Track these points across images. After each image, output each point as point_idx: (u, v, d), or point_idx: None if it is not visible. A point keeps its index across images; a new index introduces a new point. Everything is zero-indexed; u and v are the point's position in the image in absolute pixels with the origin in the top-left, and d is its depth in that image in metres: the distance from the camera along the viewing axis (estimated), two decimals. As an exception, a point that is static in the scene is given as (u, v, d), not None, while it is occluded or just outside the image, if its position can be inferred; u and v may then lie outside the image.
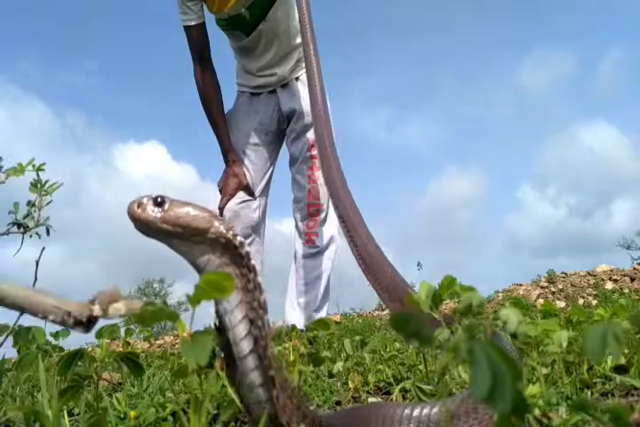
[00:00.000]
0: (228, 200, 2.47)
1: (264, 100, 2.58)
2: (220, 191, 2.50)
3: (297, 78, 2.57)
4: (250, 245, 2.46)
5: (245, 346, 0.58)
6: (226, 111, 2.56)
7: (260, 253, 2.54)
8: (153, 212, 0.57)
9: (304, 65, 2.60)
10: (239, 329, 0.59)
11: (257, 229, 2.52)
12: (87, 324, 0.49)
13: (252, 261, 0.60)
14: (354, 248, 1.39)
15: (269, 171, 2.61)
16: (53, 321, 0.49)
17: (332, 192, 1.60)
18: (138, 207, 0.57)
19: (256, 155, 2.54)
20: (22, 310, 0.49)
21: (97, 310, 0.49)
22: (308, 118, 2.45)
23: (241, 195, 2.49)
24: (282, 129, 2.61)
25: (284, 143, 2.64)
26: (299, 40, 2.49)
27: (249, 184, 2.51)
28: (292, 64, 2.53)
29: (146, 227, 0.58)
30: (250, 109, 2.57)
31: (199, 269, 0.60)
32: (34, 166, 1.28)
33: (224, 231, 0.59)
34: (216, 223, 0.59)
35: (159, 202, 0.57)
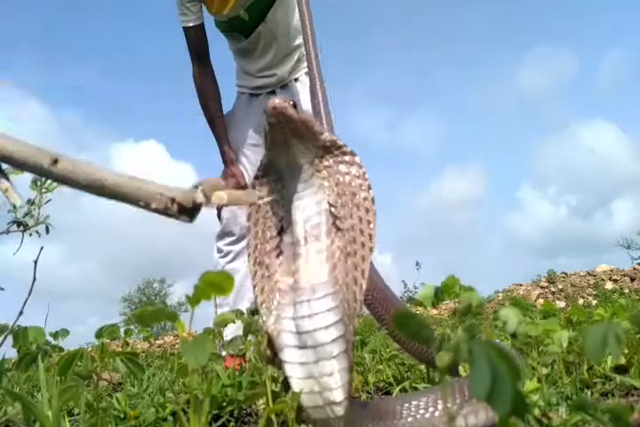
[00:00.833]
0: None
1: (264, 100, 2.56)
2: None
3: (296, 79, 2.56)
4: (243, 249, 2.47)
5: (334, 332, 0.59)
6: (225, 112, 2.58)
7: None
8: (294, 111, 0.64)
9: (303, 66, 2.60)
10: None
11: None
12: (192, 211, 0.46)
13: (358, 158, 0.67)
14: None
15: None
16: (156, 210, 0.46)
17: None
18: (285, 104, 0.63)
19: (255, 155, 2.52)
20: (123, 198, 0.45)
21: (201, 196, 0.47)
22: None
23: None
24: None
25: None
26: (298, 41, 2.51)
27: (247, 185, 2.49)
28: (291, 65, 2.52)
29: (286, 122, 0.63)
30: (249, 111, 2.58)
31: (297, 171, 0.66)
32: (34, 165, 1.28)
33: (329, 135, 0.67)
34: (325, 132, 0.67)
35: (294, 105, 0.65)
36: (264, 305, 0.64)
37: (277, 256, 0.67)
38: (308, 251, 0.64)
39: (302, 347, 0.59)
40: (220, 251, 2.49)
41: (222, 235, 2.50)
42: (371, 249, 0.63)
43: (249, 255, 0.68)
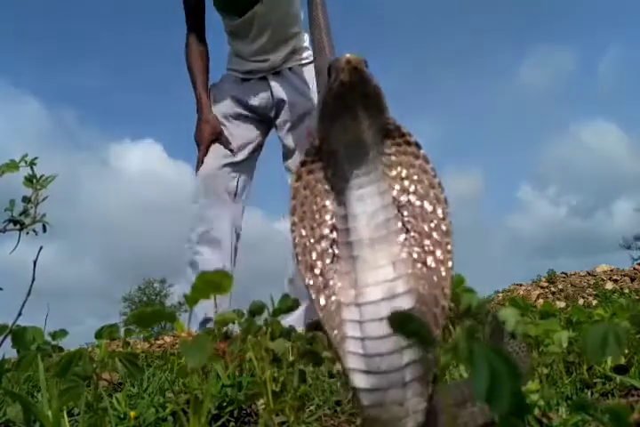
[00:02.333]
0: (207, 148, 2.39)
1: (255, 85, 2.54)
2: (197, 143, 2.42)
3: (290, 68, 2.53)
4: (222, 215, 2.36)
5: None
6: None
7: (235, 224, 2.45)
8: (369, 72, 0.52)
9: (298, 57, 2.53)
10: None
11: (234, 196, 2.43)
12: None
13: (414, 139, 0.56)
14: None
15: (252, 146, 2.52)
16: None
17: None
18: (359, 59, 0.51)
19: (236, 126, 2.48)
20: None
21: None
22: (302, 108, 2.42)
23: (218, 154, 2.41)
24: (270, 117, 2.54)
25: (277, 135, 2.56)
26: (294, 30, 2.50)
27: (222, 131, 2.43)
28: (285, 53, 2.50)
29: (360, 82, 0.51)
30: (236, 90, 2.52)
31: (356, 153, 0.55)
32: (26, 162, 1.27)
33: (393, 118, 0.56)
34: (389, 109, 0.56)
35: (367, 66, 0.53)
36: (324, 320, 0.54)
37: (332, 261, 0.55)
38: (375, 256, 0.53)
39: (372, 372, 0.50)
40: (194, 216, 2.38)
41: (195, 196, 2.40)
42: (450, 261, 0.52)
43: (297, 256, 0.56)
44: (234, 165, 2.44)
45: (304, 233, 0.56)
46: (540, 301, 7.12)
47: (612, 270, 8.19)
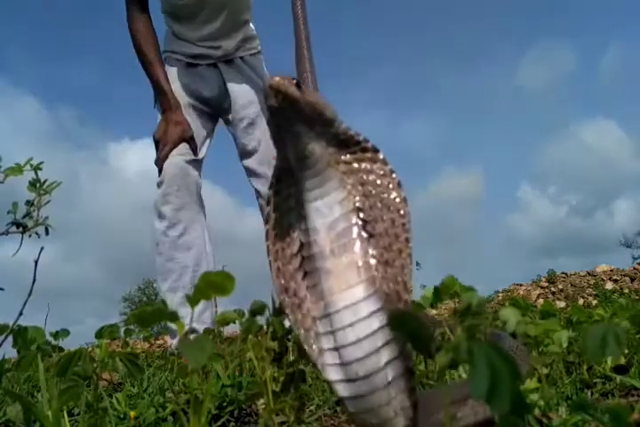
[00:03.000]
0: (171, 150, 2.07)
1: (205, 72, 2.28)
2: (156, 142, 2.10)
3: (242, 58, 2.32)
4: (195, 218, 2.10)
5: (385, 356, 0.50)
6: None
7: (205, 228, 2.18)
8: (297, 90, 0.53)
9: (250, 47, 2.32)
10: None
11: (200, 197, 2.17)
12: None
13: (382, 156, 0.58)
14: None
15: (208, 141, 2.26)
16: None
17: None
18: (284, 82, 0.53)
19: (192, 120, 2.18)
20: None
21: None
22: (258, 104, 2.20)
23: (184, 151, 2.10)
24: (221, 109, 2.30)
25: (229, 130, 2.33)
26: (247, 16, 2.31)
27: (193, 135, 2.13)
28: (237, 40, 2.29)
29: (289, 102, 0.52)
30: (187, 77, 2.25)
31: (309, 165, 0.56)
32: (32, 166, 1.28)
33: (345, 127, 0.57)
34: (338, 119, 0.57)
35: (298, 84, 0.54)
36: (303, 338, 0.55)
37: (303, 278, 0.56)
38: (337, 265, 0.54)
39: (352, 380, 0.51)
40: (162, 217, 2.06)
41: (165, 196, 2.06)
42: (409, 256, 0.54)
43: (273, 281, 0.58)
44: (196, 163, 2.16)
45: (277, 255, 0.58)
46: (540, 301, 7.12)
47: (612, 270, 8.20)
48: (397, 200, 0.56)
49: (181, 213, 2.07)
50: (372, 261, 0.54)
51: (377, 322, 0.51)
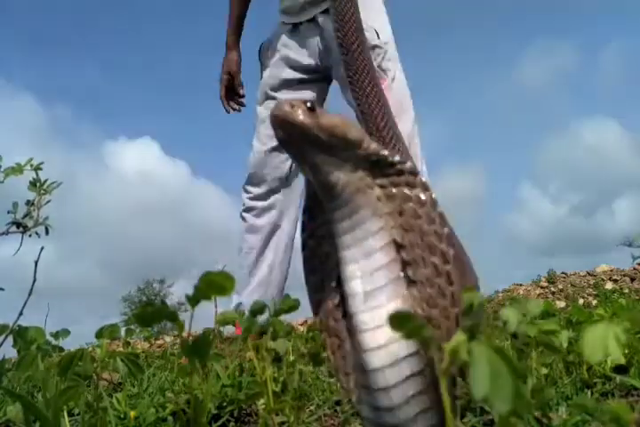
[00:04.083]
0: (226, 88, 2.23)
1: (306, 32, 2.10)
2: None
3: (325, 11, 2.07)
4: (277, 204, 2.12)
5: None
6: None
7: (292, 210, 2.15)
8: (308, 116, 0.47)
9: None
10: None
11: (287, 183, 2.15)
12: None
13: (422, 178, 0.49)
14: None
15: None
16: None
17: None
18: (291, 109, 0.47)
19: (288, 95, 2.08)
20: None
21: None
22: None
23: (270, 140, 2.05)
24: (327, 69, 2.09)
25: (340, 90, 2.09)
26: None
27: (237, 74, 2.24)
28: None
29: (298, 133, 0.47)
30: (289, 47, 2.12)
31: (335, 195, 0.49)
32: (32, 166, 1.28)
33: (376, 147, 0.50)
34: (367, 138, 0.49)
35: (311, 107, 0.47)
36: (340, 376, 0.50)
37: (344, 316, 0.49)
38: (372, 315, 0.46)
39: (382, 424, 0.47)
40: (244, 205, 2.18)
41: (248, 184, 2.17)
42: (455, 320, 0.47)
43: (315, 314, 0.52)
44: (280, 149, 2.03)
45: (317, 286, 0.52)
46: (541, 301, 7.12)
47: (612, 270, 8.20)
48: (441, 239, 0.48)
49: (256, 201, 2.18)
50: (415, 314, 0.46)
51: (417, 385, 0.46)
